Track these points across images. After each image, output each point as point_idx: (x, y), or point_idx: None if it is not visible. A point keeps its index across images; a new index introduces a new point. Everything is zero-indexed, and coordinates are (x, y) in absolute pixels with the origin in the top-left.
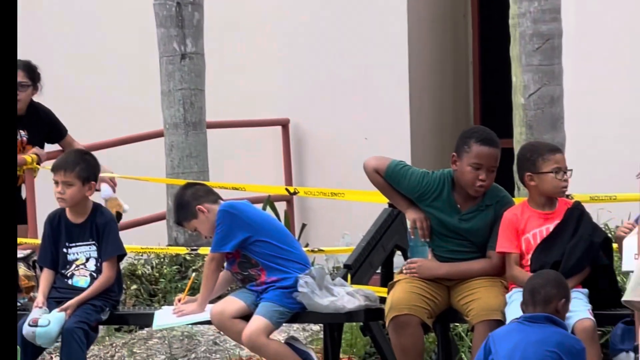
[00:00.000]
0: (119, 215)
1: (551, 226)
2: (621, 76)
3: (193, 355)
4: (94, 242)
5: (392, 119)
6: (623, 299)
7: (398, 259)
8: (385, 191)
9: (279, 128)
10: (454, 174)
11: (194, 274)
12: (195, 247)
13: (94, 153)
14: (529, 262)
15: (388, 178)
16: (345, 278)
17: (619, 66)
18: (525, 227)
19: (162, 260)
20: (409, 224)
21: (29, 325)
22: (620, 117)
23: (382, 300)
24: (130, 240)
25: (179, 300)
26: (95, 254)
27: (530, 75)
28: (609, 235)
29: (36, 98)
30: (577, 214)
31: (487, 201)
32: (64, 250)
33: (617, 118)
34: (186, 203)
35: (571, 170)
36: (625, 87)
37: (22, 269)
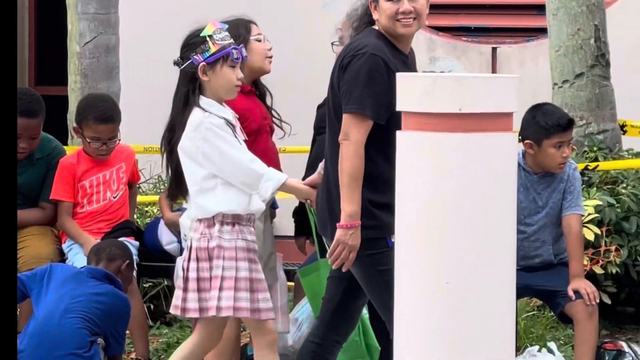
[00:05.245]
0: None
1: (107, 173)
2: (173, 27)
3: None
4: None
5: None
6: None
7: None
8: None
9: None
10: None
11: None
12: None
13: None
14: (83, 208)
15: None
16: None
17: (171, 17)
18: (82, 174)
19: None
20: None
21: None
22: (172, 68)
23: None
24: None
25: None
26: None
27: (86, 23)
28: None
29: None
30: None
31: (37, 154)
32: None
33: (169, 68)
34: None
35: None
36: (177, 37)
37: None
